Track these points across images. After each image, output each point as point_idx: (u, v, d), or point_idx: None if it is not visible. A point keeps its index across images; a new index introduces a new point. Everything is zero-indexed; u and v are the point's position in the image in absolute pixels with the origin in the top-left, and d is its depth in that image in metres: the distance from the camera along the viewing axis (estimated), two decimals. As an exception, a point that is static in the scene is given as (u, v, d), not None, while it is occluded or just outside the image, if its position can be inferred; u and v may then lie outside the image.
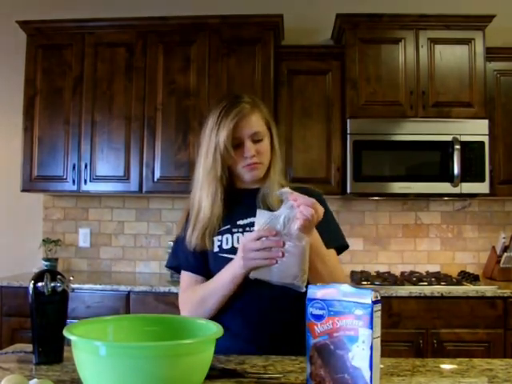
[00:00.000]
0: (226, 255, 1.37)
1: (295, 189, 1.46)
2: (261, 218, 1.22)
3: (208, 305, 1.36)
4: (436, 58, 3.07)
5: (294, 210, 1.19)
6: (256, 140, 1.41)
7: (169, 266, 1.56)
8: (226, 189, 1.44)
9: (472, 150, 2.98)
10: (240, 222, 1.42)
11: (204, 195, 1.42)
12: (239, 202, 1.46)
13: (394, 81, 3.07)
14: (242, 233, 1.40)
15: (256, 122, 1.42)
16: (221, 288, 1.34)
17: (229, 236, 1.41)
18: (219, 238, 1.41)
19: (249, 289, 1.34)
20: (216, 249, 1.41)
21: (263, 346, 1.34)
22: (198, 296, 1.40)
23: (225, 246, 1.40)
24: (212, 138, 1.40)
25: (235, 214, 1.44)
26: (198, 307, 1.38)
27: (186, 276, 1.49)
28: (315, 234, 1.29)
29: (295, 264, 1.20)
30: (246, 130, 1.40)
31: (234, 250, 1.32)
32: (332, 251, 1.44)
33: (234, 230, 1.41)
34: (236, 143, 1.40)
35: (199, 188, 1.44)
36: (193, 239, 1.41)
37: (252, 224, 1.39)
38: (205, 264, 1.44)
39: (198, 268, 1.45)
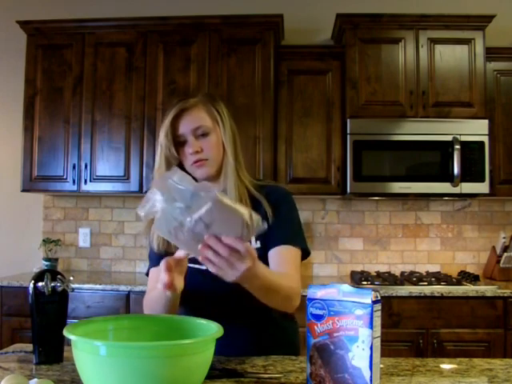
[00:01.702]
0: (190, 265, 1.26)
1: (260, 186, 1.42)
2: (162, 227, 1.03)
3: (157, 310, 1.27)
4: (436, 58, 3.07)
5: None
6: (200, 135, 1.36)
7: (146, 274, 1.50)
8: None
9: (472, 150, 2.98)
10: None
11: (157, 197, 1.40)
12: None
13: (394, 81, 3.07)
14: None
15: (198, 117, 1.36)
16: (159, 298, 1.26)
17: None
18: None
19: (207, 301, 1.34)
20: None
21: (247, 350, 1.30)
22: (148, 300, 1.35)
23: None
24: (159, 138, 1.37)
25: None
26: (151, 311, 1.31)
27: (151, 274, 1.44)
28: (260, 269, 1.10)
29: (230, 227, 0.99)
30: (187, 125, 1.35)
31: (196, 260, 1.14)
32: (287, 252, 1.34)
33: None
34: (180, 140, 1.36)
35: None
36: (154, 239, 1.37)
37: None
38: None
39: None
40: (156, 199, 1.01)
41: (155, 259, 1.39)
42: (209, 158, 1.37)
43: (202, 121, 1.37)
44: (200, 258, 1.00)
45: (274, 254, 1.36)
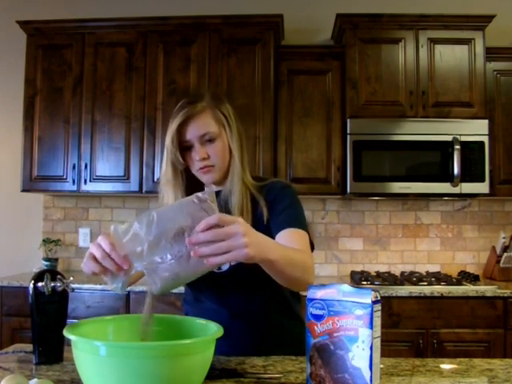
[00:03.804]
0: None
1: (261, 187, 1.40)
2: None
3: None
4: (436, 58, 3.07)
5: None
6: (207, 141, 1.35)
7: None
8: (188, 192, 1.34)
9: (472, 150, 2.98)
10: None
11: (165, 201, 1.39)
12: None
13: (394, 81, 3.07)
14: None
15: (204, 123, 1.34)
16: None
17: None
18: None
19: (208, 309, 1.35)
20: None
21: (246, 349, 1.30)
22: None
23: None
24: (165, 143, 1.36)
25: None
26: None
27: None
28: (262, 236, 1.05)
29: (193, 219, 0.95)
30: (194, 131, 1.34)
31: None
32: (294, 233, 1.29)
33: None
34: (186, 146, 1.36)
35: (162, 194, 1.41)
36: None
37: None
38: None
39: None
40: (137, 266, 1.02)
41: None
42: (215, 165, 1.36)
43: (209, 127, 1.35)
44: (205, 262, 0.94)
45: (279, 237, 1.29)
